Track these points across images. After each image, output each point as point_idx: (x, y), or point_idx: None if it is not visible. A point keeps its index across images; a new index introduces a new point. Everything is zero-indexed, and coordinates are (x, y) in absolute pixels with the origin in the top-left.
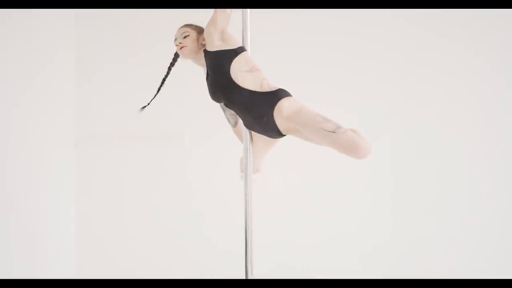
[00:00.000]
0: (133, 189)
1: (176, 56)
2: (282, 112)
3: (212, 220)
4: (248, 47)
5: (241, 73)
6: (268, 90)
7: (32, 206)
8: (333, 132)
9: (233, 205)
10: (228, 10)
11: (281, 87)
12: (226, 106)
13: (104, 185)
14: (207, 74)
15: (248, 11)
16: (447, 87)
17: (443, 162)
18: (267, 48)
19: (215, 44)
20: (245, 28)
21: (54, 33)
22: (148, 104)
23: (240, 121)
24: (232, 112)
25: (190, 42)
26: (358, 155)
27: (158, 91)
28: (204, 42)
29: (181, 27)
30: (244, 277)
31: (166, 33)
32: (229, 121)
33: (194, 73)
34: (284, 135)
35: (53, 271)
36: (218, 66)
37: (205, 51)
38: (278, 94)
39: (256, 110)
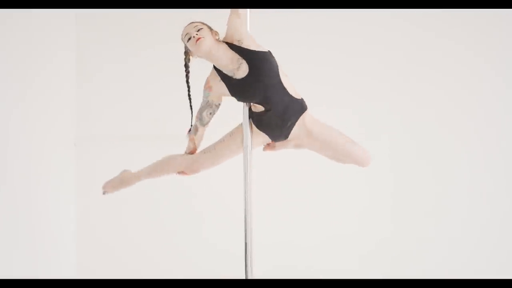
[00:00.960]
0: (133, 189)
1: (187, 66)
2: (305, 121)
3: (212, 220)
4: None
5: (284, 77)
6: (298, 97)
7: (32, 206)
8: (351, 143)
9: (233, 205)
10: (240, 10)
11: None
12: (261, 104)
13: None
14: (250, 72)
15: (248, 11)
16: (447, 87)
17: (443, 162)
18: (267, 48)
19: (249, 42)
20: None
21: (54, 33)
22: (191, 125)
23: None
24: (213, 111)
25: (207, 34)
26: (364, 165)
27: (191, 109)
28: (217, 37)
29: (189, 24)
30: (244, 277)
31: (166, 33)
32: (202, 119)
33: (194, 73)
34: (284, 139)
35: (53, 271)
36: (268, 67)
37: (240, 48)
38: (304, 104)
39: (288, 115)
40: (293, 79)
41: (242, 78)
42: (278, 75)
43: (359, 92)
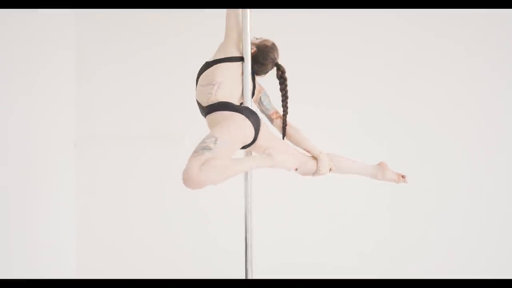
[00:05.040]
0: (133, 189)
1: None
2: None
3: (212, 220)
4: (248, 47)
5: (199, 87)
6: (210, 103)
7: (32, 206)
8: (195, 152)
9: (233, 205)
10: (229, 17)
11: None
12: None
13: (104, 185)
14: None
15: (248, 11)
16: (447, 87)
17: (443, 162)
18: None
19: (219, 52)
20: (245, 28)
21: (54, 33)
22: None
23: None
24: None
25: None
26: (183, 179)
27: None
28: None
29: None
30: (244, 277)
31: (166, 33)
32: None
33: (194, 73)
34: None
35: (53, 271)
36: (201, 72)
37: None
38: (212, 109)
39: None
40: (293, 79)
41: None
42: (197, 82)
43: (359, 92)
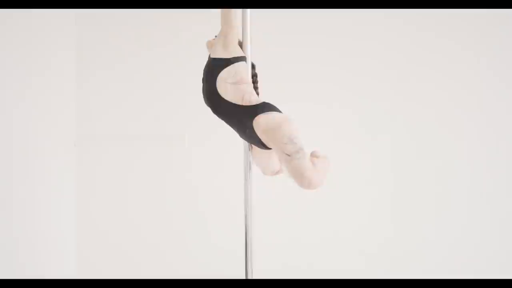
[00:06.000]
0: (133, 189)
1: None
2: (259, 126)
3: (212, 220)
4: (248, 47)
5: (225, 84)
6: (248, 104)
7: (32, 206)
8: (289, 155)
9: (233, 205)
10: (228, 15)
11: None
12: (214, 113)
13: (104, 185)
14: (202, 79)
15: (248, 11)
16: (447, 87)
17: (443, 162)
18: (267, 48)
19: (216, 50)
20: (245, 28)
21: (54, 33)
22: None
23: None
24: None
25: (216, 40)
26: (303, 185)
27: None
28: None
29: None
30: (244, 277)
31: (166, 33)
32: None
33: (194, 73)
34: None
35: (53, 271)
36: (210, 73)
37: (209, 55)
38: (259, 109)
39: (238, 122)
40: (293, 79)
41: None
42: (214, 83)
43: (359, 92)
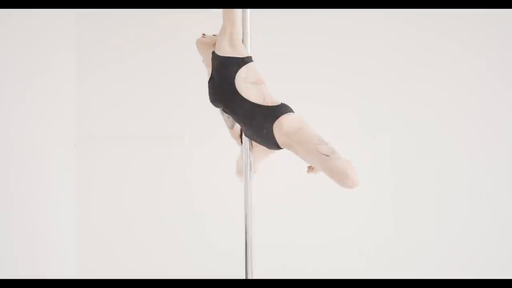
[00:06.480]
0: (133, 189)
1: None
2: (282, 127)
3: (212, 220)
4: (248, 47)
5: (245, 84)
6: (270, 104)
7: (32, 206)
8: (327, 155)
9: (233, 205)
10: (233, 14)
11: (284, 101)
12: (225, 112)
13: (104, 185)
14: (211, 77)
15: (248, 11)
16: (447, 87)
17: (443, 162)
18: (267, 48)
19: (224, 49)
20: (245, 28)
21: (54, 33)
22: None
23: (237, 124)
24: (228, 114)
25: (209, 38)
26: (346, 185)
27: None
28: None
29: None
30: (244, 277)
31: (166, 33)
32: (226, 123)
33: (194, 73)
34: (282, 148)
35: (53, 271)
36: (224, 72)
37: (213, 53)
38: (280, 110)
39: (256, 123)
40: (293, 79)
41: (208, 82)
42: (232, 82)
43: (359, 92)
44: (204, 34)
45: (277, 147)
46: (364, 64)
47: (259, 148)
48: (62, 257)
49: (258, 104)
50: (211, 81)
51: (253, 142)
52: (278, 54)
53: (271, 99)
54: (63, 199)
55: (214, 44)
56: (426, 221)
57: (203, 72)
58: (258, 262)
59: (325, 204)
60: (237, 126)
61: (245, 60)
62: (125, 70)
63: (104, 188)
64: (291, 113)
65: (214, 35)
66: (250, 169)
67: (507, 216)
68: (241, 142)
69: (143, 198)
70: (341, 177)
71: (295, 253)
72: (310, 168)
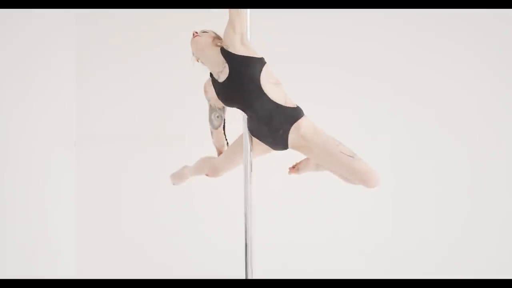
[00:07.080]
0: (133, 189)
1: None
2: (300, 129)
3: (212, 220)
4: None
5: (269, 84)
6: (290, 105)
7: (32, 206)
8: (351, 156)
9: (233, 205)
10: (242, 13)
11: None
12: (242, 110)
13: (104, 185)
14: (229, 76)
15: (248, 11)
16: (447, 87)
17: (443, 162)
18: (267, 48)
19: (238, 48)
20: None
21: (54, 33)
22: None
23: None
24: (219, 114)
25: (206, 36)
26: (370, 184)
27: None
28: (219, 43)
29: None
30: (244, 277)
31: (166, 33)
32: (212, 122)
33: (194, 73)
34: (286, 149)
35: (53, 271)
36: (246, 71)
37: (226, 52)
38: (299, 112)
39: (276, 123)
40: (293, 79)
41: (223, 82)
42: (258, 82)
43: (359, 92)
44: (196, 32)
45: (284, 148)
46: (364, 64)
47: (261, 147)
48: (62, 257)
49: (280, 105)
50: (228, 80)
51: (253, 141)
52: (278, 54)
53: (291, 100)
54: (63, 199)
55: (212, 43)
56: (425, 221)
57: (203, 72)
58: (258, 262)
59: (325, 204)
60: (221, 128)
61: (264, 61)
62: (125, 70)
63: (104, 188)
64: (306, 116)
65: (204, 31)
66: (251, 170)
67: (507, 216)
68: (224, 144)
69: (143, 198)
70: (366, 177)
71: (295, 253)
72: (293, 169)
